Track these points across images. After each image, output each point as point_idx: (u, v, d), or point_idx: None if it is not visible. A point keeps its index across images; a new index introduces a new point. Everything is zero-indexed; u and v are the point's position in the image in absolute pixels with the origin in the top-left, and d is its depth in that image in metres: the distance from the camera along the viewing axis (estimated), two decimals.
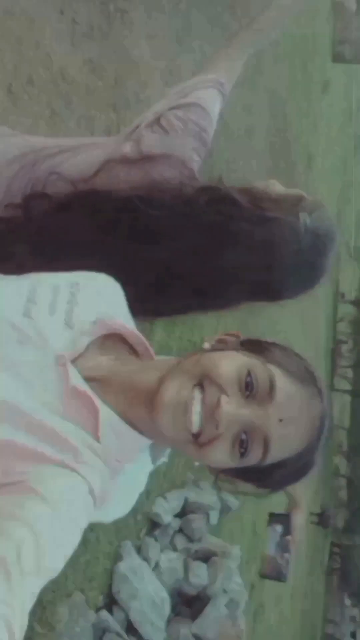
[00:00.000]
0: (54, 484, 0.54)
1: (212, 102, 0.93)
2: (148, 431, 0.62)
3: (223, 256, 0.86)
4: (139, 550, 3.04)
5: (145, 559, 3.04)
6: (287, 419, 0.58)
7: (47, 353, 0.61)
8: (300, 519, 1.19)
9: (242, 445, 0.58)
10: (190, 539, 3.54)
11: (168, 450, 0.72)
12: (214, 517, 3.89)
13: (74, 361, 0.62)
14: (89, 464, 0.57)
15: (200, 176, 0.92)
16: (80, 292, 0.67)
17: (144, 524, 3.17)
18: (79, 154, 0.93)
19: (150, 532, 3.22)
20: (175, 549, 3.40)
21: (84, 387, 0.60)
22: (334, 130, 13.24)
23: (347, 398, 19.95)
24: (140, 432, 0.62)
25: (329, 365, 15.69)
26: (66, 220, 0.86)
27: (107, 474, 0.59)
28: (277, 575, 1.39)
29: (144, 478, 0.70)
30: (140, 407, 0.60)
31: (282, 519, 1.32)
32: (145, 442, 0.62)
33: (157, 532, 3.24)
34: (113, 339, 0.67)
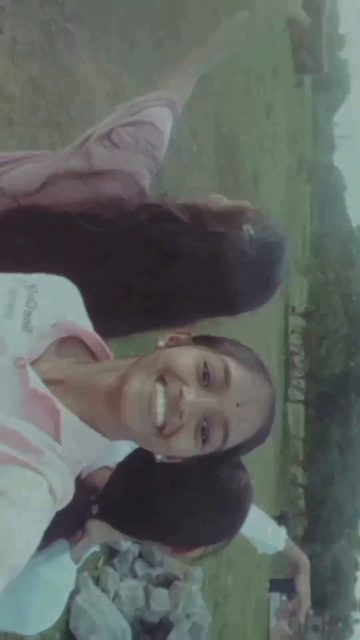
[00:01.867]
0: (16, 483, 0.55)
1: (164, 120, 0.92)
2: (109, 430, 0.64)
3: (168, 274, 0.85)
4: (97, 581, 2.92)
5: (104, 590, 2.92)
6: (243, 403, 0.62)
7: (5, 356, 0.62)
8: (305, 585, 1.15)
9: (203, 432, 0.61)
10: (150, 564, 3.44)
11: (93, 548, 0.72)
12: None
13: (32, 364, 0.63)
14: (50, 464, 0.58)
15: (151, 193, 0.91)
16: (38, 294, 0.69)
17: (101, 552, 3.06)
18: (24, 164, 0.90)
19: (108, 561, 3.10)
20: (135, 576, 3.30)
21: (44, 389, 0.61)
22: (279, 151, 13.76)
23: (301, 408, 20.41)
24: (101, 432, 0.63)
25: (282, 377, 16.02)
26: (4, 238, 0.82)
27: (68, 474, 0.60)
28: None
29: (70, 579, 0.71)
30: (101, 407, 0.62)
31: (283, 585, 1.22)
32: (106, 442, 0.64)
33: (115, 560, 3.13)
34: (71, 341, 0.69)
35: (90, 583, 2.78)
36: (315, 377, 17.43)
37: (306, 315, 17.49)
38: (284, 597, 1.24)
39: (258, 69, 9.38)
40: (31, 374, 0.62)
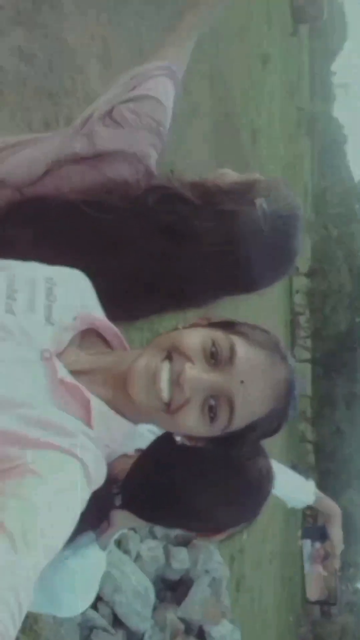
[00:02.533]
0: (51, 466, 0.56)
1: (166, 92, 0.88)
2: (131, 414, 0.65)
3: (182, 256, 0.83)
4: (118, 543, 3.04)
5: (126, 552, 3.04)
6: (248, 381, 0.62)
7: (30, 349, 0.63)
8: (338, 531, 1.18)
9: (211, 410, 0.62)
10: None
11: (118, 532, 0.73)
12: None
13: (57, 356, 0.65)
14: (83, 447, 0.60)
15: (157, 170, 0.88)
16: (57, 287, 0.70)
17: None
18: (24, 149, 0.86)
19: None
20: (154, 537, 3.42)
21: (72, 379, 0.63)
22: (277, 104, 13.30)
23: (308, 367, 20.57)
24: (125, 417, 0.65)
25: (288, 336, 16.08)
26: (10, 232, 0.81)
27: (101, 457, 0.62)
28: (327, 597, 1.29)
29: (100, 567, 0.74)
30: (122, 392, 0.64)
31: (316, 532, 1.26)
32: (132, 427, 0.66)
33: None
34: (89, 333, 0.71)
35: (113, 545, 2.90)
36: (320, 335, 17.47)
37: (310, 274, 17.36)
38: (316, 544, 1.30)
39: (252, 18, 8.94)
40: (58, 365, 0.63)
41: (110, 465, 0.67)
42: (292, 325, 17.15)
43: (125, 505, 0.72)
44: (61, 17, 2.71)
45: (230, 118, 7.01)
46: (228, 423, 0.62)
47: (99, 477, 0.62)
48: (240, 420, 0.63)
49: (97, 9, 3.11)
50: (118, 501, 0.71)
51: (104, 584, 2.72)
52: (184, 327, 0.67)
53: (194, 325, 0.68)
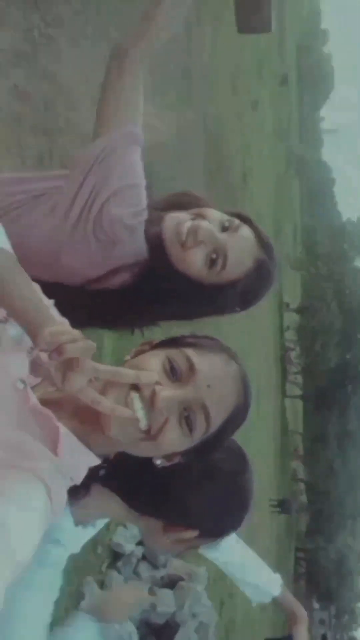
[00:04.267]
0: (15, 484, 0.58)
1: (136, 161, 0.91)
2: (100, 446, 0.66)
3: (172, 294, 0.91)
4: (102, 584, 2.92)
5: None
6: (213, 384, 0.67)
7: (6, 378, 0.65)
8: (304, 637, 1.15)
9: (187, 422, 0.65)
10: (154, 566, 3.45)
11: (91, 528, 0.73)
12: None
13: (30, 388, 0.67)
14: (48, 473, 0.61)
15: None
16: None
17: (105, 556, 3.06)
18: (37, 206, 0.91)
19: (112, 564, 3.10)
20: (139, 578, 3.30)
21: (43, 408, 0.64)
22: (267, 147, 13.80)
23: (299, 403, 20.49)
24: (92, 449, 0.66)
25: (279, 372, 16.08)
26: None
27: (63, 487, 0.63)
28: None
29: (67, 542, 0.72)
30: (90, 426, 0.65)
31: None
32: (96, 461, 0.66)
33: (119, 563, 3.14)
34: None
35: (95, 587, 2.78)
36: (311, 371, 17.48)
37: (300, 310, 17.55)
38: None
39: (243, 69, 9.40)
40: (31, 394, 0.66)
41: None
42: (283, 360, 17.18)
43: (107, 479, 0.73)
44: (58, 59, 2.83)
45: (222, 159, 7.25)
46: (207, 427, 0.66)
47: (60, 506, 0.62)
48: (216, 421, 0.67)
49: (92, 53, 3.26)
50: (102, 472, 0.72)
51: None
52: (132, 357, 0.71)
53: (140, 352, 0.71)
